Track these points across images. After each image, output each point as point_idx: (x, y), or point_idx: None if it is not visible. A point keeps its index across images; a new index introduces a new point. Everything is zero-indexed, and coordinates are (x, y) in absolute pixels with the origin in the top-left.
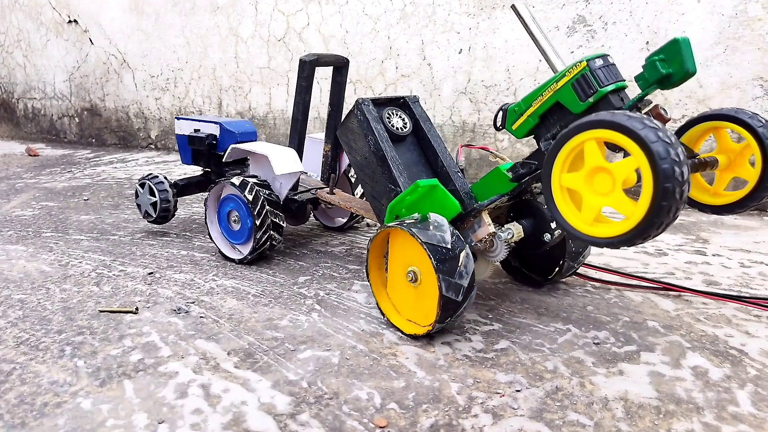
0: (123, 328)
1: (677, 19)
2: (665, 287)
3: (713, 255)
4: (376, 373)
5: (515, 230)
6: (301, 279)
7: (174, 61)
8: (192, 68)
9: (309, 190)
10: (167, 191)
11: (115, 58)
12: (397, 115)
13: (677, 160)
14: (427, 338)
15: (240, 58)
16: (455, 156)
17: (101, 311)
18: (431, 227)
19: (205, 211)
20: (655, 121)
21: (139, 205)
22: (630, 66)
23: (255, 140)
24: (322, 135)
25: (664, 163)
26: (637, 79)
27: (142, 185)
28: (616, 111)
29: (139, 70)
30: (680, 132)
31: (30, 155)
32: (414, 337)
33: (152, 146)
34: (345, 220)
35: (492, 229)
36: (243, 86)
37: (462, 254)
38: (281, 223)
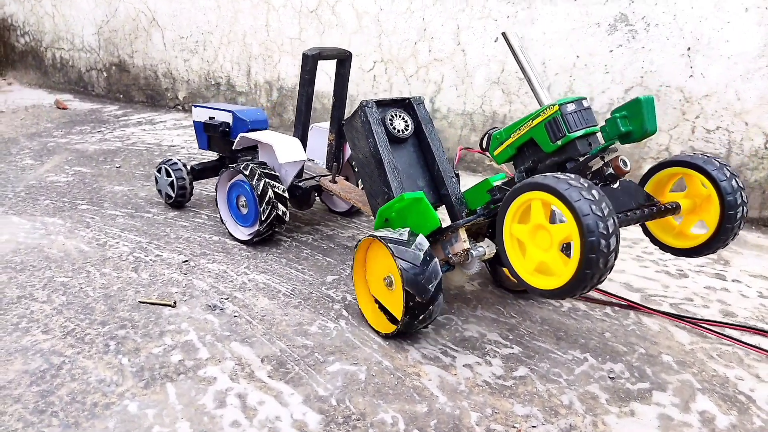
0: (162, 323)
1: (722, 27)
2: (642, 309)
3: (732, 281)
4: (400, 394)
5: (487, 248)
6: (329, 279)
7: (204, 23)
8: (222, 32)
9: (313, 177)
10: (184, 176)
11: (145, 16)
12: (400, 116)
13: (605, 233)
14: (450, 359)
15: (271, 26)
16: (453, 159)
17: (141, 302)
18: (407, 239)
19: (216, 194)
20: (594, 191)
21: (159, 190)
22: (669, 72)
23: (266, 128)
24: (327, 124)
25: (591, 236)
26: (602, 129)
27: (159, 170)
28: (560, 176)
29: (168, 30)
30: (653, 170)
31: (59, 108)
32: (386, 336)
33: (179, 107)
34: (349, 206)
35: (466, 245)
36: (272, 55)
37: (431, 263)
38: (285, 207)
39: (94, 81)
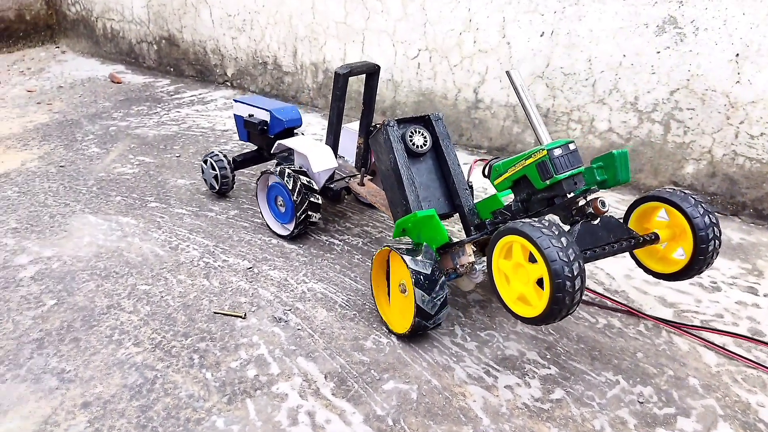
0: (236, 335)
1: None
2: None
3: (764, 295)
4: (448, 415)
5: None
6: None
7: (251, 3)
8: (269, 12)
9: (343, 179)
10: (226, 168)
11: None
12: (419, 133)
13: (570, 276)
14: (492, 379)
15: (316, 9)
16: (467, 173)
17: (215, 313)
18: (420, 254)
19: (257, 195)
20: (563, 239)
21: (205, 179)
22: (716, 76)
23: (300, 125)
24: (356, 126)
25: (558, 279)
26: (583, 173)
27: (205, 161)
28: (535, 224)
29: (216, 7)
30: (638, 203)
31: (113, 82)
32: (399, 336)
33: (228, 83)
34: None
35: (472, 259)
36: (318, 38)
37: (441, 279)
38: (318, 206)
39: (145, 53)
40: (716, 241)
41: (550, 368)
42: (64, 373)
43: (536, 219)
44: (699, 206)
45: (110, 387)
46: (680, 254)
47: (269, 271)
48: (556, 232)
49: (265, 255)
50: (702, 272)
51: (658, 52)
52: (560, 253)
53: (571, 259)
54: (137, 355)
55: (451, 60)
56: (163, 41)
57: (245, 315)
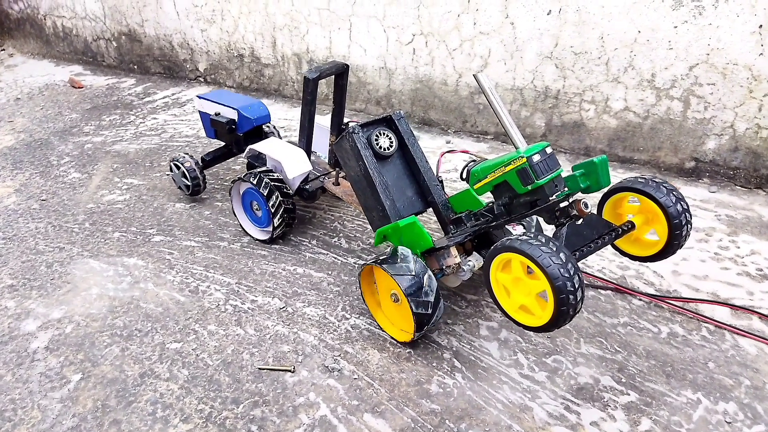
0: (291, 395)
1: None
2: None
3: None
4: None
5: (475, 261)
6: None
7: None
8: (241, 1)
9: (318, 178)
10: (195, 169)
11: None
12: (384, 135)
13: (572, 290)
14: (575, 416)
15: None
16: (435, 167)
17: (261, 369)
18: (398, 260)
19: (232, 201)
20: (561, 254)
21: (174, 180)
22: (738, 49)
23: (269, 121)
24: (328, 121)
25: (561, 294)
26: (566, 180)
27: (171, 169)
28: (533, 242)
29: None
30: (612, 192)
31: (74, 87)
32: (405, 344)
33: (201, 79)
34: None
35: (457, 260)
36: (299, 26)
37: (425, 277)
38: (293, 209)
39: (104, 51)
40: (689, 225)
41: (629, 394)
42: None
43: (533, 235)
44: (671, 195)
45: None
46: (652, 235)
47: (304, 308)
48: (554, 248)
49: (294, 289)
50: (675, 252)
51: (675, 27)
52: (561, 270)
53: (572, 273)
54: None
55: (449, 44)
56: (123, 37)
57: (294, 368)
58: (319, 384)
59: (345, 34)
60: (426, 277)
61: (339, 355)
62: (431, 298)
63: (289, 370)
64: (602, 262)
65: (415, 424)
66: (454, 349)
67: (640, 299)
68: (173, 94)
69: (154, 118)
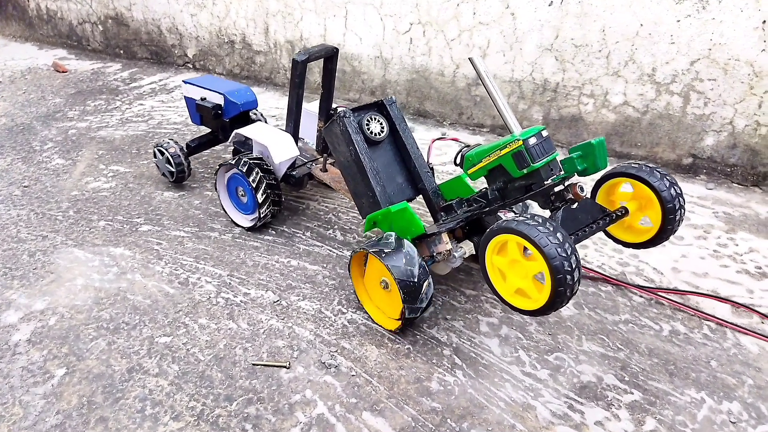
0: (286, 392)
1: None
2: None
3: None
4: None
5: (467, 248)
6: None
7: None
8: None
9: (305, 164)
10: (179, 155)
11: None
12: (375, 120)
13: (570, 269)
14: (579, 415)
15: None
16: (426, 154)
17: (255, 365)
18: (390, 246)
19: (216, 186)
20: (558, 234)
21: (158, 166)
22: (740, 45)
23: (255, 107)
24: (315, 107)
25: (559, 274)
26: (562, 163)
27: (155, 155)
28: (530, 222)
29: None
30: (602, 181)
31: (58, 71)
32: (397, 333)
33: (190, 65)
34: None
35: (449, 246)
36: (293, 13)
37: (416, 263)
38: (280, 196)
39: (89, 35)
40: (682, 210)
41: (632, 393)
42: None
43: (529, 216)
44: (665, 180)
45: None
46: (645, 222)
47: (299, 302)
48: (551, 228)
49: (288, 282)
50: (668, 238)
51: (678, 21)
52: (558, 249)
53: (569, 253)
54: None
55: (447, 34)
56: (110, 21)
57: (289, 364)
58: (315, 381)
59: (340, 22)
60: (417, 263)
61: (336, 351)
62: (422, 286)
63: (285, 366)
64: (602, 258)
65: (416, 423)
66: (454, 345)
67: (641, 296)
68: (161, 80)
69: (141, 104)
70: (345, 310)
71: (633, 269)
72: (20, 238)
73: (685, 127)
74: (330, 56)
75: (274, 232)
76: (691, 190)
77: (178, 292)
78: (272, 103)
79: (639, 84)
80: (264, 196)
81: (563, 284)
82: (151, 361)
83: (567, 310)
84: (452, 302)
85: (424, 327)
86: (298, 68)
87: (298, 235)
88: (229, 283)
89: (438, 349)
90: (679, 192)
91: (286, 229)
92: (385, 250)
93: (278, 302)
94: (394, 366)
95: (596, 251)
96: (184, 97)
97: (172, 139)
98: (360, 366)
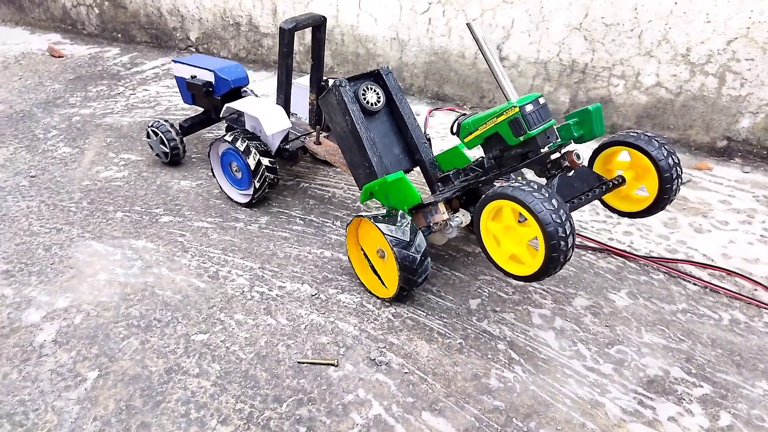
0: (338, 391)
1: None
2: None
3: None
4: None
5: (464, 218)
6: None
7: None
8: None
9: (299, 137)
10: (173, 137)
11: None
12: (372, 89)
13: (564, 235)
14: (650, 411)
15: None
16: (423, 125)
17: (300, 363)
18: (386, 214)
19: (210, 162)
20: (553, 200)
21: (152, 147)
22: (735, 23)
23: (247, 83)
24: (306, 82)
25: (553, 240)
26: (559, 130)
27: (150, 132)
28: (525, 188)
29: None
30: (599, 150)
31: (54, 56)
32: (386, 300)
33: (192, 49)
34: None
35: (446, 216)
36: None
37: (413, 232)
38: (275, 170)
39: (84, 18)
40: (679, 179)
41: (702, 386)
42: None
43: (524, 182)
44: (663, 148)
45: None
46: (641, 191)
47: (338, 295)
48: (546, 194)
49: (324, 274)
50: (665, 208)
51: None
52: (553, 215)
53: (564, 219)
54: None
55: (469, 13)
56: (106, 3)
57: (337, 362)
58: (367, 379)
59: (354, 2)
60: (414, 233)
61: (384, 347)
62: (418, 255)
63: (333, 364)
64: (648, 244)
65: (480, 423)
66: (508, 339)
67: (695, 284)
68: (163, 65)
69: (146, 90)
70: (388, 303)
71: (682, 256)
72: (33, 232)
73: (719, 108)
74: (318, 25)
75: (302, 222)
76: (727, 173)
77: (209, 286)
78: None
79: (672, 64)
80: (258, 168)
81: (557, 250)
82: (190, 361)
83: (621, 300)
84: (499, 293)
85: (473, 320)
86: (286, 37)
87: (328, 224)
88: (262, 276)
89: (492, 344)
90: (676, 161)
91: (314, 219)
92: (380, 217)
93: (316, 296)
94: (447, 362)
95: (641, 237)
96: (175, 77)
97: (164, 119)
98: (412, 363)
